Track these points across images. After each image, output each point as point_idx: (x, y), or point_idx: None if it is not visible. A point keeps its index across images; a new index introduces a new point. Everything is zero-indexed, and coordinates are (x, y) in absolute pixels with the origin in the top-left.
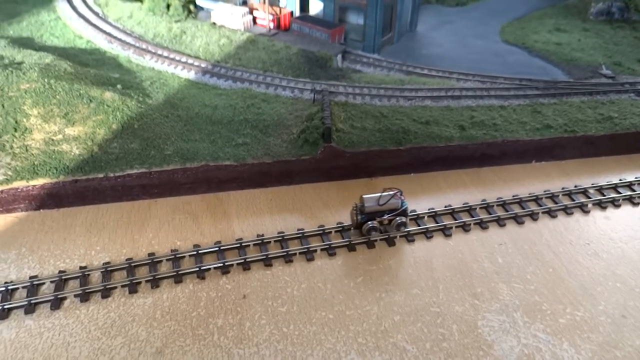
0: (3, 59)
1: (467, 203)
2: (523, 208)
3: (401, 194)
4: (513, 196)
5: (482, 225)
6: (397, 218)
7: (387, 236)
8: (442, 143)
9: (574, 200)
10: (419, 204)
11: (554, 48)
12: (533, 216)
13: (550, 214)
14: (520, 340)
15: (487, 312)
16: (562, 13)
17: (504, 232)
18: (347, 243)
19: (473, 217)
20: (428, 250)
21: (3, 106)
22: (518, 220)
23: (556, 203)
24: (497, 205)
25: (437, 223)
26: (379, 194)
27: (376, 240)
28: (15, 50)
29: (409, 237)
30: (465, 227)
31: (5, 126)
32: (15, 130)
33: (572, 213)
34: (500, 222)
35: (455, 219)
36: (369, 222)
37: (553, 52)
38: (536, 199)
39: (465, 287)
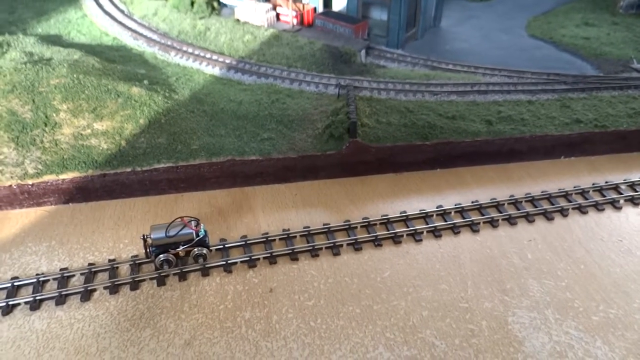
0: (33, 56)
1: (494, 199)
2: (552, 204)
3: (197, 224)
4: (542, 192)
5: (511, 221)
6: (195, 249)
7: (413, 231)
8: (469, 138)
9: (605, 197)
10: (445, 199)
11: (582, 42)
12: (563, 212)
13: (581, 210)
14: (551, 337)
15: (517, 308)
16: (590, 7)
17: (533, 228)
18: (374, 238)
19: (501, 212)
20: (455, 246)
21: (34, 101)
22: (547, 216)
23: (586, 199)
24: (526, 201)
25: (464, 218)
26: (168, 224)
27: (402, 236)
28: (44, 47)
29: (436, 233)
30: (493, 223)
31: (36, 121)
32: (46, 124)
33: (603, 209)
34: (529, 218)
35: (483, 215)
36: (162, 255)
37: (581, 47)
38: (566, 195)
39: (494, 283)
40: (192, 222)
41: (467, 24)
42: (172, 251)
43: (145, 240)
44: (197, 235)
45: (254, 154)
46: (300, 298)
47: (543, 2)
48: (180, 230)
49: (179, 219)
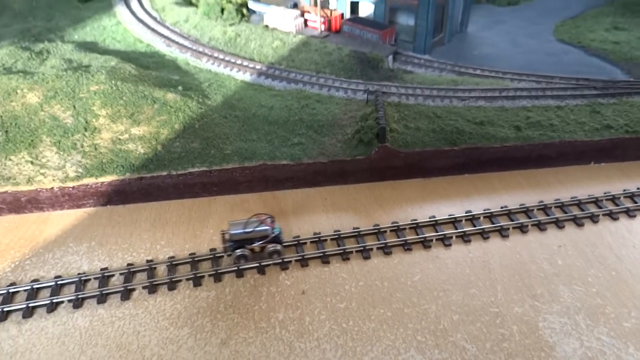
0: (72, 62)
1: (523, 204)
2: (582, 210)
3: (272, 221)
4: (571, 198)
5: (540, 226)
6: (269, 246)
7: (442, 236)
8: (497, 144)
9: (636, 203)
10: (473, 205)
11: (612, 47)
12: (593, 218)
13: (612, 216)
14: (583, 343)
15: (548, 313)
16: (620, 11)
17: (563, 234)
18: (403, 242)
19: (530, 218)
20: (485, 251)
21: (74, 107)
22: (577, 222)
23: (617, 205)
24: (555, 207)
25: (494, 224)
26: (246, 220)
27: (432, 241)
28: (82, 53)
29: (465, 238)
30: (522, 229)
31: (77, 126)
32: (86, 129)
33: (634, 216)
34: (558, 223)
35: (512, 220)
36: (238, 250)
37: (611, 51)
38: (596, 201)
39: (524, 288)
40: (268, 219)
41: (494, 29)
42: (248, 247)
43: (223, 236)
44: (272, 232)
45: (285, 158)
46: (332, 300)
47: (571, 6)
48: (257, 226)
49: (256, 216)
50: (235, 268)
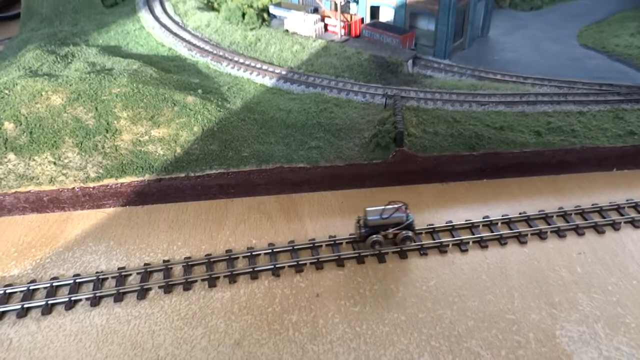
0: (95, 66)
1: (542, 210)
2: (603, 217)
3: (406, 208)
4: (592, 205)
5: (560, 233)
6: (403, 232)
7: (459, 241)
8: (517, 149)
9: None
10: (491, 210)
11: (637, 52)
12: (615, 226)
13: (634, 224)
14: (601, 353)
15: (566, 321)
16: None
17: (583, 241)
18: (419, 247)
19: (549, 224)
20: (502, 257)
21: (97, 109)
22: (598, 229)
23: None
24: (575, 214)
25: (511, 230)
26: (382, 207)
27: (448, 246)
28: (105, 57)
29: (482, 244)
30: (541, 235)
31: (99, 127)
32: (107, 131)
33: None
34: (578, 230)
35: (531, 227)
36: (373, 236)
37: (636, 56)
38: (618, 208)
39: (542, 295)
40: (403, 207)
41: (516, 34)
42: (383, 233)
43: (358, 222)
44: (407, 219)
45: (302, 161)
46: (346, 304)
47: (595, 10)
48: (394, 213)
49: (391, 203)
50: (250, 270)
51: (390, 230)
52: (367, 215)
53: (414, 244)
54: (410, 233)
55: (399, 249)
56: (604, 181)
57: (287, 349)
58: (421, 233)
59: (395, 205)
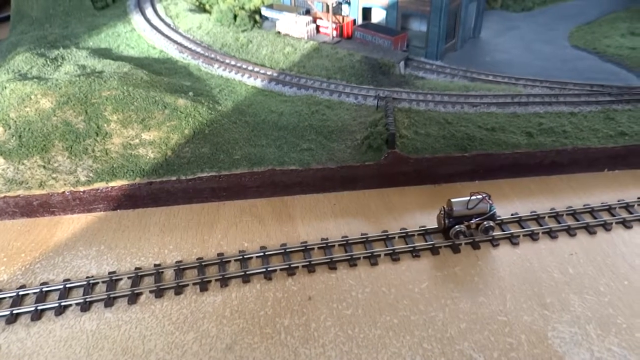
0: (85, 68)
1: (534, 211)
2: (595, 218)
3: (489, 198)
4: (584, 205)
5: (552, 234)
6: (485, 222)
7: (451, 243)
8: (509, 150)
9: None
10: None
11: (628, 52)
12: (606, 226)
13: (625, 224)
14: (593, 354)
15: (558, 323)
16: (637, 16)
17: (575, 242)
18: (411, 249)
19: (541, 226)
20: (494, 259)
21: (86, 112)
22: (590, 230)
23: (631, 213)
24: (567, 215)
25: (504, 231)
26: (467, 198)
27: (440, 247)
28: (95, 60)
29: (475, 245)
30: (533, 236)
31: (89, 131)
32: (97, 134)
33: None
34: (570, 231)
35: (523, 228)
36: (457, 226)
37: (627, 57)
38: (609, 209)
39: (534, 296)
40: (486, 197)
41: (507, 35)
42: (466, 223)
43: (442, 213)
44: (490, 209)
45: (293, 164)
46: (339, 307)
47: (586, 12)
48: (478, 204)
49: (475, 194)
50: (242, 273)
51: (474, 221)
52: (452, 206)
53: (406, 246)
54: (492, 223)
55: (391, 251)
56: (596, 182)
57: (279, 353)
58: (503, 223)
59: (480, 196)
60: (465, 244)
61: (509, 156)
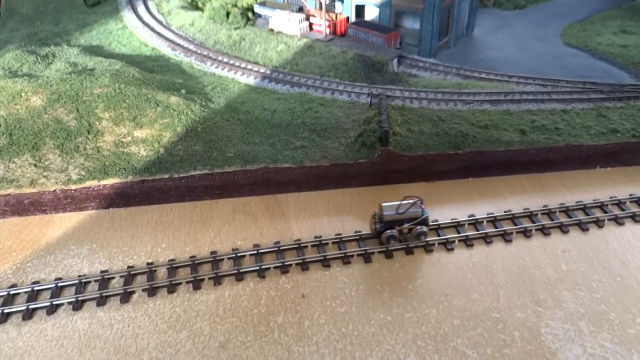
0: (77, 66)
1: (527, 209)
2: (587, 215)
3: (421, 203)
4: (576, 202)
5: (544, 231)
6: (417, 227)
7: (445, 240)
8: (502, 147)
9: None
10: (477, 209)
11: (620, 50)
12: (598, 223)
13: (617, 221)
14: (586, 350)
15: (551, 319)
16: (628, 14)
17: (568, 238)
18: (405, 246)
19: (534, 223)
20: (487, 255)
21: (78, 110)
22: (582, 227)
23: (623, 210)
24: (560, 212)
25: (497, 228)
26: (398, 202)
27: (434, 245)
28: (87, 57)
29: (468, 242)
30: (526, 233)
31: (80, 129)
32: (89, 132)
33: None
34: (563, 228)
35: (516, 225)
36: (388, 231)
37: (618, 55)
38: (601, 206)
39: (527, 293)
40: (418, 202)
41: (500, 33)
42: (398, 228)
43: (374, 218)
44: (422, 214)
45: (287, 162)
46: (332, 304)
47: (578, 9)
48: (409, 208)
49: (407, 198)
50: (236, 271)
51: (406, 225)
52: (383, 210)
53: (399, 243)
54: (425, 228)
55: (385, 249)
56: (588, 179)
57: (272, 351)
58: (435, 228)
59: (411, 201)
60: (459, 241)
61: (502, 153)
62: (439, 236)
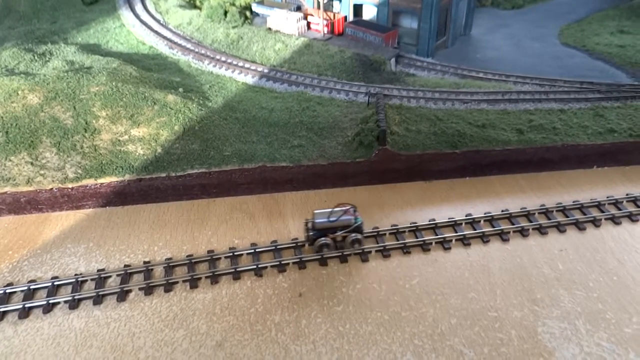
0: (74, 64)
1: (525, 208)
2: (584, 214)
3: (355, 210)
4: (573, 202)
5: (542, 230)
6: (351, 235)
7: (442, 239)
8: (499, 147)
9: (639, 207)
10: (474, 208)
11: (617, 50)
12: (595, 222)
13: (614, 220)
14: (582, 349)
15: (548, 318)
16: (625, 14)
17: (565, 238)
18: (402, 245)
19: (532, 222)
20: (485, 255)
21: (75, 108)
22: (579, 226)
23: (620, 209)
24: (557, 211)
25: (494, 227)
26: (330, 210)
27: (431, 244)
28: (84, 55)
29: (465, 242)
30: (523, 232)
31: (77, 127)
32: (86, 130)
33: (637, 220)
34: (560, 228)
35: (513, 224)
36: (321, 239)
37: (616, 55)
38: (598, 205)
39: (524, 292)
40: (351, 209)
41: (498, 32)
42: (331, 235)
43: (306, 225)
44: (355, 222)
45: (284, 160)
46: (329, 303)
47: (576, 10)
48: (341, 216)
49: (339, 206)
50: (233, 270)
51: (339, 233)
52: (314, 217)
53: (397, 242)
54: (359, 236)
55: (382, 248)
56: (585, 178)
57: (269, 350)
58: (372, 236)
59: (344, 208)
60: (456, 240)
61: (499, 153)
62: (436, 235)
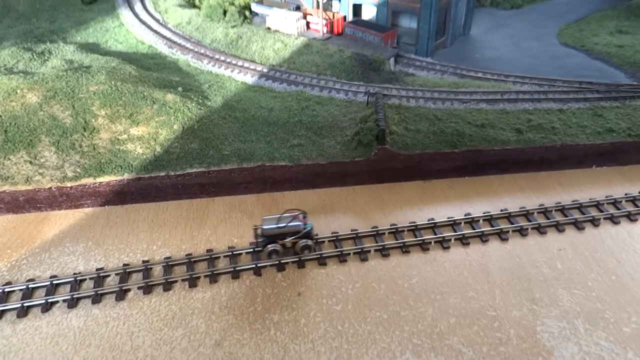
0: (73, 63)
1: (524, 207)
2: (583, 213)
3: (304, 216)
4: (572, 201)
5: (540, 230)
6: (302, 241)
7: (441, 239)
8: (498, 146)
9: (638, 207)
10: (473, 208)
11: (616, 50)
12: (594, 222)
13: (613, 220)
14: (581, 348)
15: (547, 317)
16: (624, 14)
17: (564, 237)
18: (401, 245)
19: (530, 221)
20: (484, 254)
21: (74, 107)
22: (578, 225)
23: (619, 209)
24: (556, 210)
25: (493, 227)
26: (279, 215)
27: (430, 243)
28: (83, 54)
29: (464, 241)
30: (522, 232)
31: (76, 126)
32: (85, 129)
33: (636, 219)
34: (559, 227)
35: (512, 223)
36: (271, 245)
37: (614, 55)
38: (597, 205)
39: (523, 291)
40: (300, 215)
41: (497, 32)
42: (280, 242)
43: (255, 231)
44: (305, 228)
45: (283, 160)
46: (328, 302)
47: (575, 10)
48: (290, 222)
49: (288, 212)
50: (232, 269)
51: (289, 239)
52: (262, 224)
53: (396, 241)
54: (309, 242)
55: (381, 247)
56: (584, 178)
57: (268, 349)
58: (324, 242)
59: (293, 214)
60: (455, 239)
61: (499, 152)
62: (435, 235)
